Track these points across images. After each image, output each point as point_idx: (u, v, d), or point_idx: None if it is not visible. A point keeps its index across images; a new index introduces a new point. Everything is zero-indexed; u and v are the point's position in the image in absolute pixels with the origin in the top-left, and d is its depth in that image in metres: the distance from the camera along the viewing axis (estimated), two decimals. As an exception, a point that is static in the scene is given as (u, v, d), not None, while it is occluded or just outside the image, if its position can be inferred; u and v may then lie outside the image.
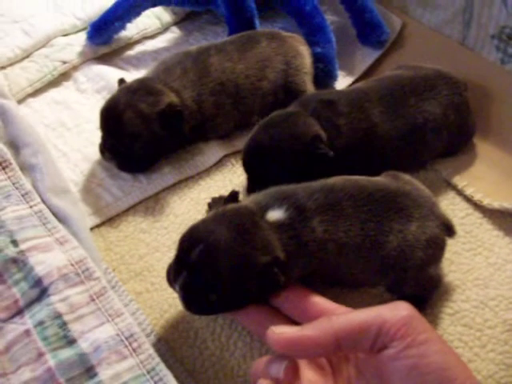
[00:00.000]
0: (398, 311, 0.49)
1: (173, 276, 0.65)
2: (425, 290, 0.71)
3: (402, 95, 0.84)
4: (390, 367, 0.47)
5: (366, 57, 1.10)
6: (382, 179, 0.74)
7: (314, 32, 1.04)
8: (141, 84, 0.88)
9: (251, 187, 0.81)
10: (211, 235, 0.62)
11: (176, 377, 0.63)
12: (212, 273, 0.62)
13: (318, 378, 0.55)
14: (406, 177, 0.74)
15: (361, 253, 0.67)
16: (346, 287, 0.72)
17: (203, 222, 0.66)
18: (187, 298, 0.64)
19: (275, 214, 0.66)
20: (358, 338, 0.48)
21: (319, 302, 0.60)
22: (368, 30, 1.09)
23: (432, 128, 0.84)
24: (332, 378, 0.56)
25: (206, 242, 0.62)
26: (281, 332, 0.50)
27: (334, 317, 0.50)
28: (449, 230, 0.72)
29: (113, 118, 0.86)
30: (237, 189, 0.73)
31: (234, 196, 0.70)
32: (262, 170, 0.79)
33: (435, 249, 0.70)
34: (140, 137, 0.85)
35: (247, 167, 0.82)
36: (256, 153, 0.80)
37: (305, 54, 0.99)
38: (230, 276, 0.61)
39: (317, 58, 1.01)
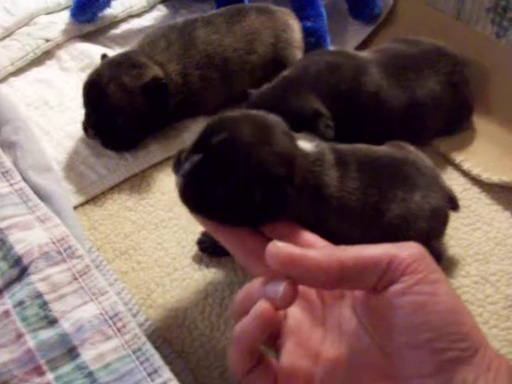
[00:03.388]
0: (409, 248, 0.45)
1: (185, 156, 0.59)
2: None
3: (403, 69, 0.83)
4: (394, 304, 0.43)
5: (358, 32, 1.07)
6: (386, 148, 0.71)
7: (304, 6, 1.01)
8: (124, 57, 0.86)
9: None
10: (240, 128, 0.58)
11: (164, 357, 0.60)
12: (226, 163, 0.57)
13: (304, 315, 0.52)
14: (411, 147, 0.72)
15: (361, 219, 0.64)
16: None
17: (233, 115, 0.61)
18: (191, 183, 0.58)
19: (307, 145, 0.63)
20: (365, 270, 0.44)
21: (317, 241, 0.56)
22: (360, 5, 1.06)
23: (431, 105, 0.83)
24: (321, 318, 0.52)
25: (232, 132, 0.57)
26: (284, 246, 0.46)
27: (341, 247, 0.46)
28: (452, 203, 0.70)
29: (95, 91, 0.83)
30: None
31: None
32: None
33: (439, 221, 0.68)
34: (124, 111, 0.82)
35: None
36: None
37: (295, 28, 0.96)
38: (241, 174, 0.56)
39: (308, 33, 0.99)
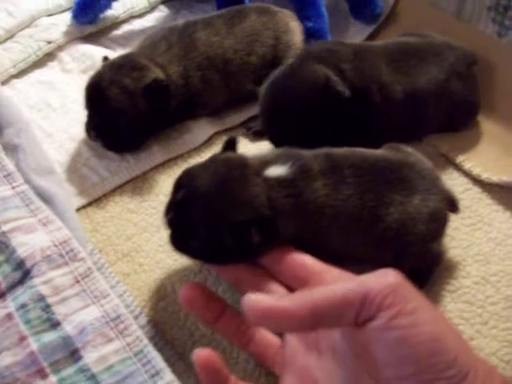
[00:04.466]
0: (384, 278, 0.44)
1: (164, 213, 0.65)
2: (426, 266, 0.68)
3: (406, 55, 0.83)
4: (376, 339, 0.43)
5: (359, 32, 1.07)
6: (383, 151, 0.71)
7: (305, 6, 1.01)
8: (125, 59, 0.86)
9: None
10: (195, 181, 0.62)
11: (166, 359, 0.61)
12: (190, 219, 0.61)
13: (299, 343, 0.54)
14: (409, 149, 0.72)
15: (358, 224, 0.64)
16: (342, 263, 0.70)
17: (196, 166, 0.65)
18: (173, 237, 0.65)
19: (278, 170, 0.63)
20: (340, 312, 0.44)
21: (308, 262, 0.57)
22: (361, 4, 1.06)
23: (433, 93, 0.82)
24: (315, 343, 0.53)
25: (189, 186, 0.62)
26: (257, 300, 0.45)
27: (314, 289, 0.46)
28: (452, 205, 0.69)
29: (97, 94, 0.83)
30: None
31: (231, 142, 0.67)
32: (284, 129, 0.77)
33: (438, 223, 0.68)
34: (125, 113, 0.82)
35: (269, 128, 0.80)
36: (276, 113, 0.78)
37: (295, 30, 0.96)
38: (204, 227, 0.60)
39: (309, 33, 0.99)
